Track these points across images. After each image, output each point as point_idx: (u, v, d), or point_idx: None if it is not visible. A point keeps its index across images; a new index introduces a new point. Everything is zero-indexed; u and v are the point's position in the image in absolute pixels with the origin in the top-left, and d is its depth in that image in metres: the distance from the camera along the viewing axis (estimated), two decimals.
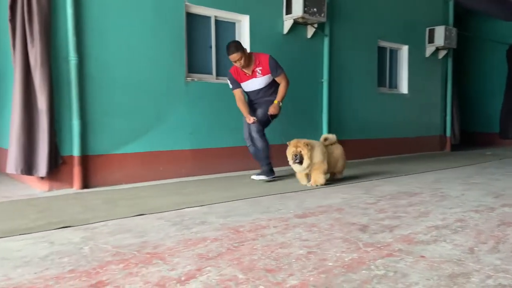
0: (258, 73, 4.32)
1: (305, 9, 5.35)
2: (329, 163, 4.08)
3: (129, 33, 4.26)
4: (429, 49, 7.91)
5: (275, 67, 4.33)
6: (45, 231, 2.48)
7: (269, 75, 4.34)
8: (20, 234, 2.40)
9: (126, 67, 4.25)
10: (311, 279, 1.75)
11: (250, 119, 4.24)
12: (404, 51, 7.65)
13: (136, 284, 1.70)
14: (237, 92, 4.38)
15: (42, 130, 3.71)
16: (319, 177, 4.02)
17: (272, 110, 4.31)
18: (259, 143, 4.32)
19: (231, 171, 5.05)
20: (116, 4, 4.15)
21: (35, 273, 1.81)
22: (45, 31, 3.66)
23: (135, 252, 2.10)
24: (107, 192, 3.78)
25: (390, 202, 3.34)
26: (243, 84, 4.38)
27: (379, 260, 1.97)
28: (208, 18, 5.03)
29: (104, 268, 1.87)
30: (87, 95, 4.00)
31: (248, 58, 4.25)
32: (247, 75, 4.33)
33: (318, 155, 3.96)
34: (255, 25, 5.29)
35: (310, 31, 5.82)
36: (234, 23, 5.28)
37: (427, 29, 7.84)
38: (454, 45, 7.93)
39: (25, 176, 3.98)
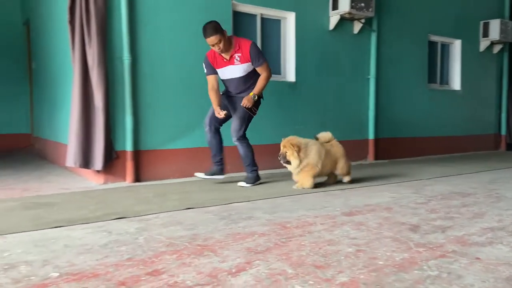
0: (236, 59, 3.81)
1: (352, 4, 5.26)
2: (324, 164, 3.75)
3: (179, 32, 4.39)
4: (483, 44, 7.51)
5: (256, 55, 3.81)
6: (102, 221, 2.63)
7: (249, 63, 3.83)
8: (80, 224, 2.56)
9: (176, 65, 4.39)
10: (362, 277, 1.74)
11: (220, 113, 3.73)
12: (456, 46, 7.32)
13: (190, 274, 1.77)
14: (210, 79, 3.88)
15: (98, 127, 3.92)
16: (305, 180, 3.69)
17: (244, 102, 3.79)
18: (241, 149, 3.92)
19: (273, 168, 5.07)
20: (167, 4, 4.29)
21: (97, 260, 1.94)
22: (102, 32, 3.85)
23: (187, 244, 2.18)
24: (157, 186, 3.93)
25: (442, 202, 3.23)
26: (219, 71, 3.91)
27: (432, 261, 1.92)
28: (254, 16, 5.08)
29: (159, 258, 1.96)
30: (139, 93, 4.18)
31: (228, 42, 3.78)
32: (225, 60, 3.84)
33: (312, 155, 3.66)
34: (300, 22, 5.27)
35: (357, 27, 5.71)
36: (279, 21, 5.30)
37: (481, 22, 7.45)
38: (510, 39, 7.48)
39: (82, 169, 4.22)
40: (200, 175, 4.04)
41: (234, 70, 3.86)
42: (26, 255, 2.00)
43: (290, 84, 5.27)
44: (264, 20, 5.17)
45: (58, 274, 1.76)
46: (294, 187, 3.76)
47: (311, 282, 1.68)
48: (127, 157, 4.11)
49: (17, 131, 7.51)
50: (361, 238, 2.27)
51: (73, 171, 4.69)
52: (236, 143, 3.91)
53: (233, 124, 3.90)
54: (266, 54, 5.19)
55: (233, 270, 1.81)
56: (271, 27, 5.26)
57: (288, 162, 3.69)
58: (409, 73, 6.48)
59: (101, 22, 3.85)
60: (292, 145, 3.63)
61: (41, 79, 6.28)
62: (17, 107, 7.46)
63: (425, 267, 1.85)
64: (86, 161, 3.92)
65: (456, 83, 7.39)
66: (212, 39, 3.66)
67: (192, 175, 4.48)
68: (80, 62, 3.88)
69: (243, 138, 3.92)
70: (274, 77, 5.23)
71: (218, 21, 4.64)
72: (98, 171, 4.03)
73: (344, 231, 2.41)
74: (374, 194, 3.53)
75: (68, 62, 4.68)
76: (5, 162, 5.61)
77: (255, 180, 4.00)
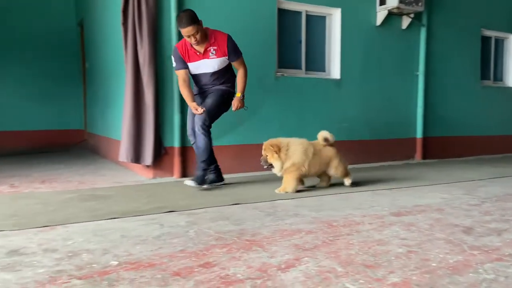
0: (212, 53, 3.54)
1: None
2: (313, 164, 3.46)
3: (226, 30, 4.45)
4: None
5: (234, 49, 3.59)
6: (154, 214, 2.74)
7: (225, 58, 3.59)
8: (134, 216, 2.69)
9: None
10: (414, 278, 1.71)
11: (199, 110, 3.47)
12: (511, 41, 6.92)
13: (240, 268, 1.81)
14: (181, 74, 3.58)
15: (148, 123, 4.08)
16: (288, 184, 3.41)
17: (236, 105, 3.65)
18: (201, 141, 3.56)
19: None
20: (212, 4, 4.38)
21: (151, 250, 2.03)
22: (152, 33, 4.00)
23: (235, 238, 2.23)
24: None
25: (497, 204, 3.08)
26: (192, 65, 3.60)
27: (488, 264, 1.85)
28: (299, 13, 5.06)
29: (210, 251, 2.03)
30: None
31: (204, 34, 3.50)
32: (198, 54, 3.55)
33: (297, 155, 3.38)
34: (346, 18, 5.20)
35: (406, 22, 5.55)
36: (324, 17, 5.25)
37: None
38: None
39: (133, 164, 4.41)
40: (190, 183, 3.59)
41: (209, 65, 3.58)
42: (87, 243, 2.13)
43: (335, 81, 5.21)
44: (309, 17, 5.14)
45: (117, 262, 1.86)
46: (276, 191, 3.45)
47: (361, 281, 1.68)
48: (175, 153, 4.25)
49: (72, 127, 7.94)
50: (412, 239, 2.23)
51: (124, 166, 4.90)
52: (199, 132, 3.54)
53: (202, 117, 3.55)
54: (311, 52, 5.19)
55: (282, 266, 1.84)
56: (316, 24, 5.22)
57: (272, 166, 3.44)
58: (460, 69, 6.22)
59: (152, 24, 3.99)
60: (271, 146, 3.39)
61: (94, 78, 6.61)
62: (72, 105, 7.89)
63: (480, 270, 1.79)
64: (137, 156, 4.09)
65: (510, 79, 6.99)
66: (188, 30, 3.36)
67: (237, 172, 4.56)
68: (132, 61, 4.05)
69: (207, 129, 3.57)
70: (319, 74, 5.21)
71: (263, 19, 4.70)
72: (147, 166, 4.19)
73: (394, 231, 2.37)
74: (424, 195, 3.43)
75: (120, 62, 4.90)
76: (62, 157, 5.96)
77: (204, 181, 3.61)
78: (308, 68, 5.15)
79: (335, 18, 5.23)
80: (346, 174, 3.72)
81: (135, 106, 4.07)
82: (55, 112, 7.76)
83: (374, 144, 5.52)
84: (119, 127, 5.04)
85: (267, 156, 3.45)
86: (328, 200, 3.23)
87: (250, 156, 4.66)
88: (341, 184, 3.78)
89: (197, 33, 3.41)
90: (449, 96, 6.12)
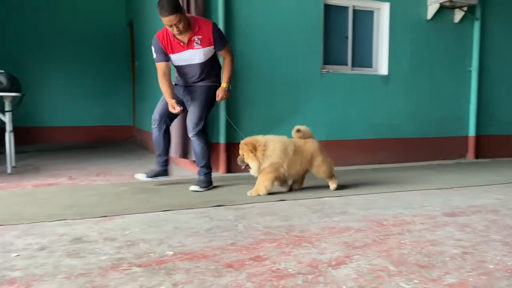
0: (197, 43, 3.28)
1: None
2: (293, 164, 3.18)
3: (271, 28, 4.49)
4: None
5: (220, 37, 3.35)
6: (203, 207, 2.82)
7: (210, 47, 3.34)
8: (185, 209, 2.78)
9: (267, 61, 4.50)
10: (471, 279, 1.66)
11: (176, 108, 3.25)
12: None
13: (291, 263, 1.84)
14: (161, 66, 3.33)
15: None
16: (260, 185, 3.15)
17: (221, 95, 3.43)
18: (198, 147, 3.44)
19: (363, 164, 4.97)
20: (260, 5, 4.41)
21: (203, 242, 2.10)
22: None
23: (284, 234, 2.26)
24: (248, 178, 4.07)
25: None
26: (175, 57, 3.35)
27: None
28: (345, 8, 4.99)
29: (260, 245, 2.07)
30: (232, 89, 4.34)
31: (187, 23, 3.22)
32: (182, 45, 3.30)
33: (274, 155, 3.11)
34: (395, 13, 5.06)
35: (458, 15, 5.32)
36: (372, 12, 5.14)
37: None
38: None
39: (180, 159, 4.55)
40: (140, 176, 3.57)
41: (195, 56, 3.33)
42: (143, 234, 2.23)
43: (382, 77, 5.09)
44: (356, 12, 5.05)
45: (172, 252, 1.94)
46: (248, 193, 3.19)
47: (416, 281, 1.65)
48: (220, 149, 4.33)
49: (122, 123, 8.29)
50: (467, 240, 2.15)
51: (175, 162, 5.05)
52: (193, 138, 3.42)
53: (192, 116, 3.41)
54: (357, 48, 5.11)
55: (333, 263, 1.84)
56: (363, 19, 5.12)
57: (249, 166, 3.20)
58: None
59: None
60: (245, 145, 3.15)
61: (143, 76, 6.85)
62: (122, 102, 8.23)
63: None
64: (185, 152, 4.22)
65: None
66: (170, 19, 3.08)
67: None
68: None
69: (202, 133, 3.41)
70: (365, 70, 5.12)
71: (309, 15, 4.67)
72: (194, 162, 4.30)
73: (447, 232, 2.30)
74: (478, 195, 3.29)
75: None
76: (113, 151, 6.24)
77: (209, 184, 3.51)
78: (354, 64, 5.07)
79: (383, 13, 5.11)
80: (330, 176, 3.38)
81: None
82: (106, 109, 8.13)
83: (423, 142, 5.34)
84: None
85: (243, 155, 3.17)
86: (375, 198, 3.18)
87: None
88: (370, 184, 3.70)
89: (180, 23, 3.12)
90: (504, 93, 5.80)
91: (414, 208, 2.86)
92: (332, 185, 3.41)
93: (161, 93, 5.41)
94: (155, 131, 3.53)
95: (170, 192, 3.32)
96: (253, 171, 3.18)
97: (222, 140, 4.31)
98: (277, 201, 3.04)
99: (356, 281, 1.65)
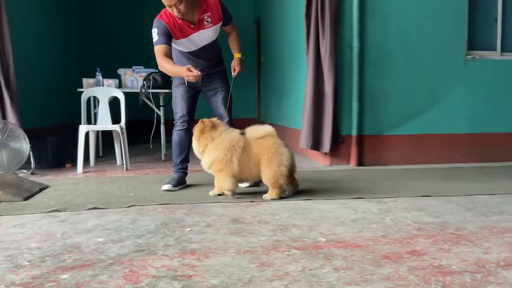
0: (207, 21, 2.95)
1: None
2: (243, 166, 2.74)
3: (407, 15, 4.27)
4: None
5: (228, 11, 3.06)
6: (344, 199, 2.84)
7: (219, 24, 3.04)
8: (325, 199, 2.84)
9: (402, 49, 4.29)
10: None
11: (194, 72, 2.73)
12: None
13: (453, 260, 1.75)
14: (163, 48, 2.88)
15: (327, 112, 4.21)
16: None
17: (238, 68, 3.17)
18: None
19: (484, 161, 4.41)
20: None
21: (353, 232, 2.12)
22: (334, 23, 4.09)
23: (438, 231, 2.15)
24: (383, 171, 3.97)
25: None
26: (187, 41, 2.98)
27: None
28: None
29: (413, 240, 2.01)
30: (365, 79, 4.27)
31: (191, 2, 2.86)
32: (192, 27, 2.93)
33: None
34: None
35: None
36: None
37: None
38: None
39: (309, 151, 4.63)
40: (167, 187, 3.13)
41: (207, 36, 3.02)
42: (292, 220, 2.35)
43: None
44: None
45: (325, 239, 2.01)
46: (211, 193, 2.90)
47: None
48: (351, 141, 4.28)
49: (247, 116, 8.74)
50: None
51: (299, 152, 5.17)
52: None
53: (225, 102, 3.22)
54: (508, 31, 4.55)
55: (502, 263, 1.70)
56: None
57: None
58: None
59: (335, 14, 4.08)
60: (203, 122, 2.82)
61: (269, 71, 7.13)
62: (247, 96, 8.67)
63: None
64: (316, 144, 4.28)
65: None
66: None
67: (414, 163, 4.34)
68: (314, 53, 4.22)
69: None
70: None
71: (454, 3, 4.30)
72: (325, 154, 4.35)
73: None
74: None
75: (297, 55, 5.17)
76: None
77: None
78: (504, 49, 4.53)
79: None
80: (273, 184, 2.76)
81: (315, 96, 4.23)
82: (236, 103, 8.64)
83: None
84: (294, 116, 5.36)
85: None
86: None
87: (429, 147, 4.39)
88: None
89: (181, 3, 2.76)
90: None
91: None
92: (288, 190, 2.91)
93: (285, 85, 5.53)
94: (179, 133, 3.16)
95: (307, 182, 3.41)
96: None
97: (354, 132, 4.26)
98: (421, 196, 2.91)
99: None
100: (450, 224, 2.26)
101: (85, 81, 4.62)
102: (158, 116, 4.60)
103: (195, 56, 3.09)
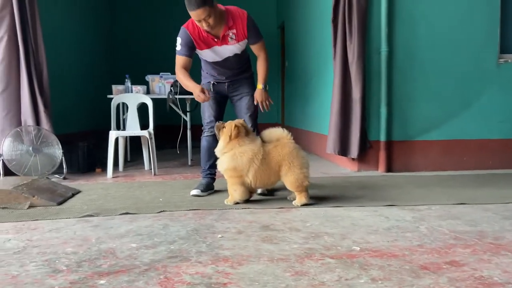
0: (232, 38, 2.97)
1: None
2: (260, 173, 2.73)
3: (437, 19, 4.18)
4: None
5: (256, 30, 3.01)
6: (374, 206, 2.79)
7: (245, 40, 3.02)
8: (355, 206, 2.79)
9: (432, 54, 4.20)
10: None
11: (206, 94, 2.87)
12: None
13: (494, 271, 1.69)
14: (183, 60, 2.97)
15: (355, 117, 4.15)
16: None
17: (260, 99, 3.10)
18: None
19: None
20: None
21: (388, 241, 2.07)
22: (362, 27, 4.04)
23: (476, 240, 2.08)
24: (413, 178, 3.88)
25: None
26: (208, 52, 3.02)
27: None
28: None
29: (451, 250, 1.95)
30: (394, 84, 4.19)
31: (218, 17, 2.87)
32: (215, 40, 2.97)
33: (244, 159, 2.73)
34: None
35: None
36: None
37: None
38: None
39: (336, 156, 4.58)
40: (195, 192, 3.15)
41: (229, 51, 3.05)
42: (324, 227, 2.32)
43: None
44: None
45: (359, 248, 1.97)
46: (226, 201, 2.85)
47: None
48: (380, 147, 4.21)
49: (270, 121, 8.69)
50: None
51: (325, 157, 5.13)
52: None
53: (251, 106, 3.18)
54: None
55: None
56: None
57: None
58: None
59: (362, 18, 4.03)
60: (237, 126, 2.76)
61: (293, 75, 7.11)
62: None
63: None
64: (343, 149, 4.22)
65: None
66: (198, 13, 2.74)
67: (446, 169, 4.23)
68: (341, 57, 4.18)
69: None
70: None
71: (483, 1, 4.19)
72: (353, 159, 4.29)
73: None
74: None
75: (323, 60, 5.14)
76: None
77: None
78: None
79: None
80: (299, 187, 2.76)
81: (343, 101, 4.19)
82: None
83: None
84: (320, 121, 5.32)
85: (222, 130, 2.85)
86: None
87: (460, 153, 4.28)
88: None
89: (210, 17, 2.77)
90: None
91: None
92: (297, 198, 2.83)
93: (310, 90, 5.49)
94: (208, 139, 3.19)
95: (335, 189, 3.37)
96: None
97: (382, 137, 4.19)
98: (456, 204, 2.82)
99: None
100: (488, 233, 2.19)
101: (115, 87, 4.72)
102: (185, 121, 4.65)
103: (220, 66, 3.14)
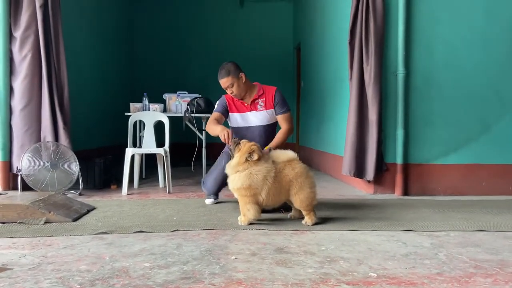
0: (260, 105, 3.41)
1: None
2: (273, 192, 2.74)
3: (456, 41, 4.17)
4: None
5: (281, 101, 3.40)
6: (391, 231, 2.73)
7: (272, 110, 3.40)
8: (372, 230, 2.73)
9: (450, 76, 4.17)
10: None
11: (227, 134, 3.00)
12: None
13: None
14: (217, 115, 3.38)
15: (371, 139, 4.12)
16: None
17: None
18: None
19: None
20: (445, 16, 4.14)
21: (406, 268, 2.02)
22: (379, 49, 4.04)
23: (497, 269, 2.01)
24: (430, 202, 3.80)
25: None
26: (240, 116, 3.44)
27: None
28: None
29: (471, 279, 1.88)
30: (411, 106, 4.16)
31: (244, 87, 3.37)
32: (246, 105, 3.43)
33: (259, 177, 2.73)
34: None
35: None
36: None
37: None
38: None
39: (351, 178, 4.53)
40: (210, 200, 3.63)
41: (258, 117, 3.41)
42: (339, 251, 2.27)
43: None
44: None
45: (376, 275, 1.92)
46: (240, 222, 2.84)
47: None
48: (397, 170, 4.15)
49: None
50: None
51: (339, 179, 5.08)
52: None
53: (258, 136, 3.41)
54: None
55: None
56: None
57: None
58: None
59: (379, 41, 4.04)
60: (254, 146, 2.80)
61: (309, 96, 7.13)
62: None
63: None
64: (359, 171, 4.18)
65: None
66: (223, 82, 3.33)
67: (466, 194, 4.15)
68: (357, 79, 4.17)
69: None
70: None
71: (504, 21, 4.15)
72: (369, 181, 4.23)
73: None
74: None
75: (338, 80, 5.15)
76: None
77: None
78: None
79: None
80: (307, 207, 2.81)
81: (359, 123, 4.16)
82: None
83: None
84: (335, 142, 5.30)
85: (237, 149, 2.84)
86: None
87: (479, 177, 4.19)
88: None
89: (233, 86, 3.32)
90: None
91: None
92: (306, 217, 2.86)
93: (325, 110, 5.49)
94: (210, 200, 3.59)
95: (351, 212, 3.32)
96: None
97: (399, 160, 4.13)
98: (475, 231, 2.75)
99: None
100: (510, 262, 2.11)
101: (132, 105, 4.80)
102: (200, 140, 4.69)
103: (242, 131, 3.40)
